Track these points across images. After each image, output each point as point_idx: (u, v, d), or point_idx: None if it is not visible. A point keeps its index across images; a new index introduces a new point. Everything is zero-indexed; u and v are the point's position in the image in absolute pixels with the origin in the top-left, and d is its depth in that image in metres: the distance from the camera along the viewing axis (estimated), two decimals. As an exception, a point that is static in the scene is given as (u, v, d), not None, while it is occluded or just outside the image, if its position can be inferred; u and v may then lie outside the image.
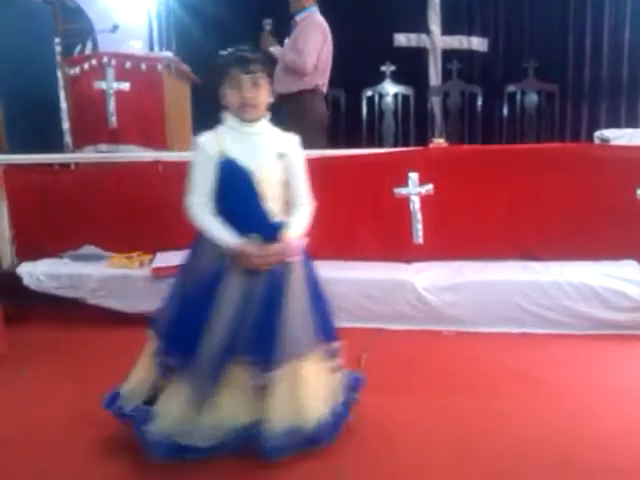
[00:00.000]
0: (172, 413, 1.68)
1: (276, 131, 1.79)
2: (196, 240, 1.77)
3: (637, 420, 1.95)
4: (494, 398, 2.11)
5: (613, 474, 1.68)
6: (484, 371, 2.34)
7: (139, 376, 1.82)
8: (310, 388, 1.74)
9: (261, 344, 1.69)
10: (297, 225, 1.74)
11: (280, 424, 1.68)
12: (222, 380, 1.69)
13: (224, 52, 1.72)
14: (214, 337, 1.67)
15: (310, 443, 1.72)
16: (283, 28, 3.99)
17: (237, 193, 1.71)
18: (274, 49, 3.83)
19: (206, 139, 1.73)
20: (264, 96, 1.72)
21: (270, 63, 1.77)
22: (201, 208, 1.71)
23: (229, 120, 1.74)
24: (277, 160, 1.73)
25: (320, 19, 3.84)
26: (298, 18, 3.83)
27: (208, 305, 1.67)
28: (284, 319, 1.70)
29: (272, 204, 1.73)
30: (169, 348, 1.72)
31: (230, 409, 1.70)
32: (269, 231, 1.71)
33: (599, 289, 2.67)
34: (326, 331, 1.82)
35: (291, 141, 1.78)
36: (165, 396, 1.73)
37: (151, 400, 1.77)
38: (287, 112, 3.71)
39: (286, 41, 3.86)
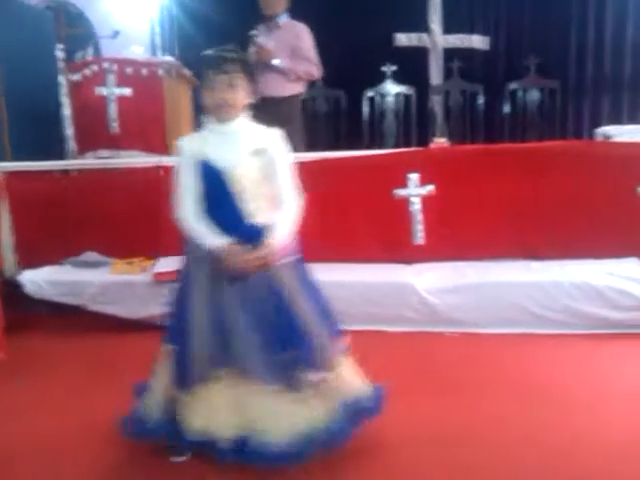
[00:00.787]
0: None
1: (256, 128, 1.77)
2: (185, 247, 1.79)
3: (639, 421, 1.94)
4: (497, 400, 2.11)
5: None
6: (486, 373, 2.33)
7: (160, 392, 1.80)
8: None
9: (297, 343, 1.71)
10: (281, 227, 1.71)
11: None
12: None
13: (206, 53, 1.72)
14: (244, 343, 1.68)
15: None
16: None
17: (214, 194, 1.71)
18: (277, 62, 3.81)
19: (185, 142, 1.75)
20: (241, 96, 1.71)
21: (251, 64, 1.77)
22: (190, 214, 1.72)
23: (208, 121, 1.74)
24: (254, 157, 1.71)
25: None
26: (281, 22, 3.85)
27: (206, 312, 1.69)
28: (301, 318, 1.72)
29: (253, 204, 1.71)
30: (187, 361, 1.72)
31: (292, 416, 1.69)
32: (246, 233, 1.69)
33: (602, 288, 2.67)
34: (332, 331, 1.84)
35: (271, 136, 1.76)
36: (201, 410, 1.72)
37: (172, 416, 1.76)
38: (281, 115, 3.72)
39: (271, 44, 3.80)
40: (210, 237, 1.69)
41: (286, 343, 1.69)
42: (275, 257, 1.69)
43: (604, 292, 2.66)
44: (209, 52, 1.72)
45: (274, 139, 1.76)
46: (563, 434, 1.88)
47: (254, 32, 3.83)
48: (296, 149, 3.78)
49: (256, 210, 1.72)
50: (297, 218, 1.75)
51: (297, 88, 3.96)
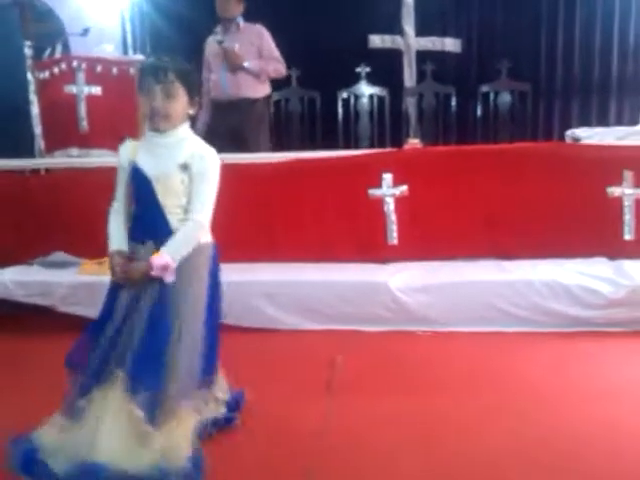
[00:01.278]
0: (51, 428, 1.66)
1: (193, 141, 1.75)
2: None
3: (609, 419, 1.97)
4: (469, 399, 2.12)
5: (583, 476, 1.69)
6: (459, 372, 2.35)
7: None
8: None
9: (143, 375, 1.62)
10: (174, 244, 1.68)
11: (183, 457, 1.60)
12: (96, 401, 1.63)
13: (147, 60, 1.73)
14: (100, 350, 1.67)
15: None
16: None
17: (141, 201, 1.74)
18: (248, 64, 3.86)
19: (123, 146, 1.78)
20: (179, 106, 1.69)
21: (192, 74, 1.75)
22: (113, 211, 1.81)
23: (145, 128, 1.74)
24: (180, 171, 1.70)
25: None
26: (241, 24, 3.92)
27: (108, 317, 1.70)
28: (177, 346, 1.65)
29: (172, 216, 1.70)
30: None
31: (111, 446, 1.58)
32: (164, 241, 1.68)
33: (572, 287, 2.70)
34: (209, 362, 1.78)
35: (201, 153, 1.73)
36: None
37: None
38: (254, 116, 3.91)
39: (237, 47, 3.85)
40: (111, 240, 1.79)
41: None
42: (155, 273, 1.65)
43: (574, 291, 2.69)
44: (150, 59, 1.73)
45: (202, 156, 1.72)
46: (535, 432, 1.89)
47: (220, 38, 3.86)
48: (265, 149, 3.84)
49: (180, 221, 1.71)
50: (193, 242, 1.71)
51: (267, 89, 4.05)
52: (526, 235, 2.98)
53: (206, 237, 1.78)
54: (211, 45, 3.94)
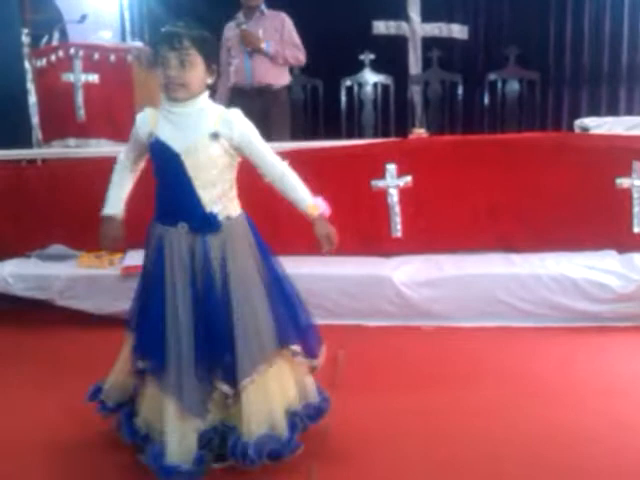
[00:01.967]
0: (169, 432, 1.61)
1: (216, 109, 1.67)
2: (147, 232, 1.75)
3: (617, 414, 1.94)
4: (475, 394, 2.09)
5: (588, 473, 1.66)
6: (464, 367, 2.31)
7: (119, 379, 1.78)
8: (276, 395, 1.68)
9: (218, 351, 1.64)
10: (304, 194, 1.71)
11: (252, 432, 1.62)
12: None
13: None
14: (181, 340, 1.61)
15: (277, 453, 1.64)
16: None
17: (166, 177, 1.65)
18: (265, 45, 3.82)
19: (141, 117, 1.69)
20: (196, 75, 1.60)
21: (209, 41, 1.67)
22: (121, 165, 1.79)
23: (162, 99, 1.66)
24: (211, 141, 1.61)
25: None
26: (265, 11, 3.88)
27: (163, 300, 1.63)
28: (238, 319, 1.63)
29: (205, 191, 1.63)
30: (140, 351, 1.68)
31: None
32: (198, 221, 1.63)
33: (579, 281, 2.65)
34: (293, 330, 1.74)
35: (233, 119, 1.65)
36: (147, 403, 1.69)
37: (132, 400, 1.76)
38: (280, 104, 3.92)
39: (260, 32, 3.81)
40: (107, 200, 1.81)
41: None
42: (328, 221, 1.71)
43: (582, 285, 2.65)
44: (165, 27, 1.63)
45: (234, 120, 1.65)
46: (541, 427, 1.87)
47: (241, 19, 3.81)
48: (286, 139, 3.79)
49: (212, 198, 1.64)
50: (297, 178, 1.73)
51: (288, 78, 4.04)
52: (533, 228, 2.93)
53: (236, 209, 1.71)
54: (232, 30, 3.87)
